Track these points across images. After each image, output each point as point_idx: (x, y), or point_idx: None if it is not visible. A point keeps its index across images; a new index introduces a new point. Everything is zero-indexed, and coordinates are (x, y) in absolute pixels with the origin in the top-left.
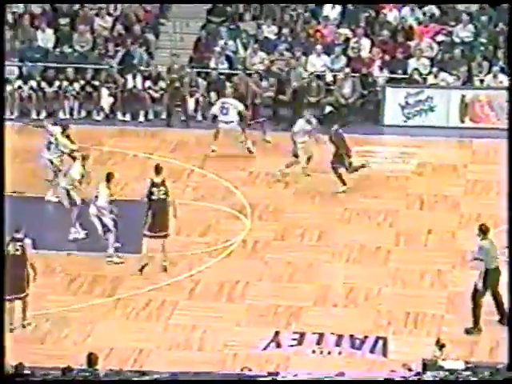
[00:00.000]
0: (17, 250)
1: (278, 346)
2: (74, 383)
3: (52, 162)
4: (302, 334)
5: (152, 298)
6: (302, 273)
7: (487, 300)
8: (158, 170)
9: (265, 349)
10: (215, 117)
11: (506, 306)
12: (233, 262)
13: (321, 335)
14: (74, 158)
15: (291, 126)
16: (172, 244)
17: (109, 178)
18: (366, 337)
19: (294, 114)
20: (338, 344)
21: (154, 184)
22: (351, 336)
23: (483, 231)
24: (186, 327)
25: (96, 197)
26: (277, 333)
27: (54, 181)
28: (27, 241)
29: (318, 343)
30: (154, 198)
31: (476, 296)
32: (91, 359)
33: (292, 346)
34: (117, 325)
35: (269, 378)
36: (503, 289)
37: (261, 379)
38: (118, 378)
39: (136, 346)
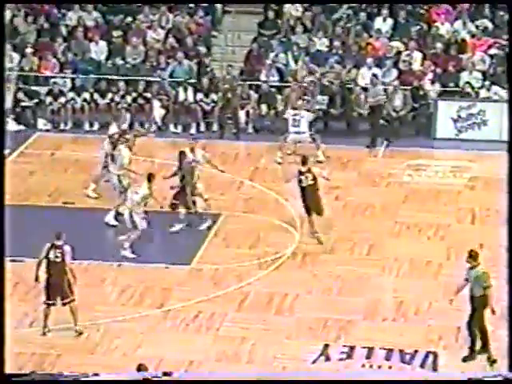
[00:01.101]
0: (57, 256)
1: (328, 359)
2: (77, 383)
3: (120, 181)
4: (352, 348)
5: (201, 309)
6: (352, 286)
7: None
8: (304, 160)
9: (314, 362)
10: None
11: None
12: (282, 275)
13: (370, 349)
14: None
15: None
16: (222, 256)
17: (150, 178)
18: (416, 351)
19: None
20: (387, 358)
21: (301, 173)
22: (401, 350)
23: (474, 257)
24: (235, 339)
25: (136, 193)
26: (326, 346)
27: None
28: (67, 248)
29: (368, 357)
30: (303, 184)
31: (471, 325)
32: (141, 370)
33: (341, 359)
34: (166, 336)
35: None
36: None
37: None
38: None
39: (185, 358)
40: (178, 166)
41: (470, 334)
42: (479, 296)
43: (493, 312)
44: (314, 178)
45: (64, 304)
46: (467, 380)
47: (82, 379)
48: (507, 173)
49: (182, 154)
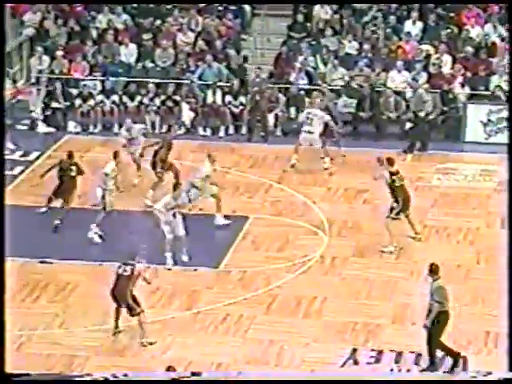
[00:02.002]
0: (125, 270)
1: (356, 363)
2: (77, 383)
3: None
4: (380, 352)
5: (230, 312)
6: (380, 290)
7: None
8: (391, 161)
9: (342, 366)
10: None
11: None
12: (310, 278)
13: (399, 353)
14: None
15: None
16: (250, 259)
17: (175, 187)
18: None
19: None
20: (416, 362)
21: (392, 173)
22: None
23: (434, 271)
24: (263, 342)
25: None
26: (354, 350)
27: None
28: (139, 265)
29: (397, 361)
30: (397, 184)
31: (432, 341)
32: (170, 372)
33: (370, 363)
34: (195, 338)
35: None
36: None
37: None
38: None
39: (214, 360)
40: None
41: (430, 349)
42: (442, 312)
43: (424, 326)
44: (402, 178)
45: (134, 315)
46: (469, 380)
47: (82, 379)
48: (507, 173)
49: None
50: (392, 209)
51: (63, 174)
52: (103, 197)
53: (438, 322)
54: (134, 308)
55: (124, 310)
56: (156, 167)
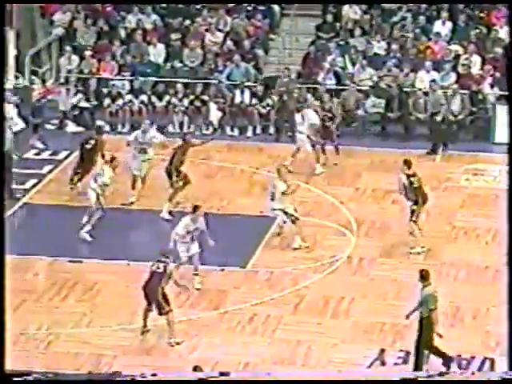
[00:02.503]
0: (158, 267)
1: (383, 364)
2: (81, 383)
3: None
4: (408, 353)
5: (257, 312)
6: (408, 291)
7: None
8: (408, 164)
9: (369, 366)
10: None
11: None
12: (338, 278)
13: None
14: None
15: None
16: (278, 259)
17: (195, 210)
18: (472, 357)
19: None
20: (444, 364)
21: (408, 176)
22: (458, 356)
23: (424, 277)
24: (290, 342)
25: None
26: (382, 351)
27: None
28: (172, 264)
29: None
30: (415, 186)
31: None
32: (197, 372)
33: (397, 364)
34: (222, 338)
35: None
36: None
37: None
38: None
39: (241, 360)
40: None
41: (417, 354)
42: (425, 317)
43: (440, 336)
44: (420, 180)
45: (162, 314)
46: (467, 380)
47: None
48: (507, 174)
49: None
50: (413, 211)
51: (82, 149)
52: (98, 197)
53: (429, 327)
54: (163, 306)
55: (152, 310)
56: (171, 176)
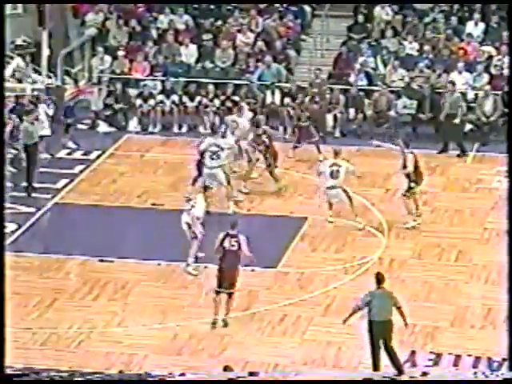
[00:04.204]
0: (232, 245)
1: (414, 365)
2: (82, 383)
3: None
4: (439, 355)
5: (287, 313)
6: (439, 293)
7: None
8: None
9: None
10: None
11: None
12: (369, 280)
13: (458, 356)
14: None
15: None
16: (307, 260)
17: (205, 189)
18: (504, 359)
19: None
20: (475, 366)
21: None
22: (489, 358)
23: (378, 280)
24: (320, 343)
25: (193, 206)
26: (413, 352)
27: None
28: (242, 237)
29: (455, 365)
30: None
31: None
32: (227, 372)
33: (428, 366)
34: (252, 339)
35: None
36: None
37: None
38: None
39: (271, 361)
40: None
41: (389, 355)
42: (380, 321)
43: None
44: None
45: (229, 294)
46: (469, 380)
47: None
48: (507, 174)
49: None
50: (410, 188)
51: None
52: (189, 226)
53: (386, 330)
54: (234, 286)
55: (224, 292)
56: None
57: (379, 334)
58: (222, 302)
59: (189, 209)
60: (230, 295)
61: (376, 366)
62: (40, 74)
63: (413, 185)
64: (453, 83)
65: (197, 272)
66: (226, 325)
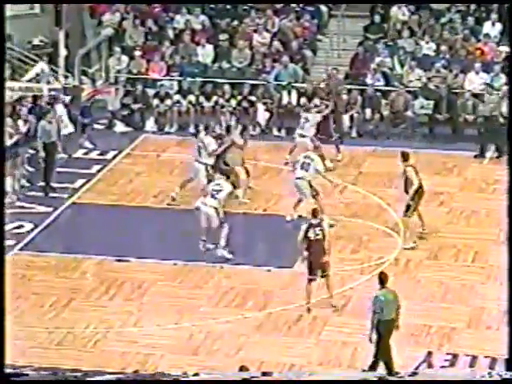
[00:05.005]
0: (317, 234)
1: (430, 366)
2: (83, 383)
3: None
4: (455, 356)
5: (303, 313)
6: (455, 293)
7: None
8: (406, 156)
9: (416, 369)
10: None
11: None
12: None
13: (474, 357)
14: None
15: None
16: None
17: (228, 175)
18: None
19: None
20: (491, 367)
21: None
22: (507, 360)
23: (381, 280)
24: (336, 344)
25: (217, 191)
26: (429, 353)
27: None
28: (325, 224)
29: (472, 366)
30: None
31: (379, 348)
32: (242, 372)
33: (444, 367)
34: (268, 339)
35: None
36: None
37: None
38: None
39: (287, 361)
40: None
41: (375, 356)
42: (385, 321)
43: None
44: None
45: (323, 276)
46: (467, 380)
47: (87, 379)
48: (507, 174)
49: None
50: (408, 207)
51: None
52: (217, 212)
53: (378, 331)
54: (326, 269)
55: (316, 279)
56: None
57: (389, 332)
58: (314, 290)
59: (215, 193)
60: (325, 277)
61: (390, 367)
62: (57, 73)
63: (410, 202)
64: (490, 86)
65: (230, 256)
66: (336, 309)
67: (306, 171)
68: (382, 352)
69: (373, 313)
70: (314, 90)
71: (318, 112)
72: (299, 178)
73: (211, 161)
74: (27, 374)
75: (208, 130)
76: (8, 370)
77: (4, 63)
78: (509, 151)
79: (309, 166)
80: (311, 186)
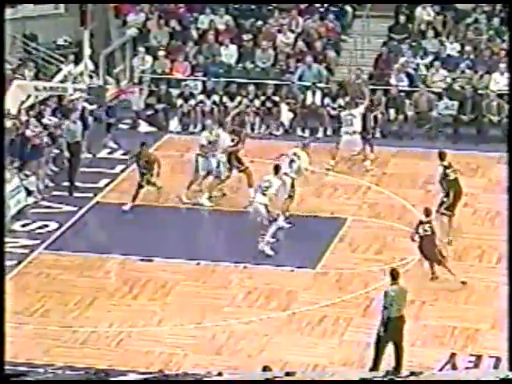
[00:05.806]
0: (426, 230)
1: (454, 367)
2: (88, 383)
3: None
4: (479, 357)
5: (326, 313)
6: (480, 295)
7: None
8: (443, 155)
9: (440, 370)
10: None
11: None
12: (408, 281)
13: (498, 359)
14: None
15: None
16: (347, 261)
17: (277, 169)
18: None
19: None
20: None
21: (445, 167)
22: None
23: (393, 276)
24: (360, 344)
25: (267, 187)
26: (453, 354)
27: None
28: (434, 222)
29: (495, 367)
30: (450, 178)
31: (379, 344)
32: (266, 372)
33: (468, 368)
34: (291, 339)
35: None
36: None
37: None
38: None
39: (310, 362)
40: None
41: (376, 355)
42: (397, 316)
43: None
44: (456, 171)
45: (439, 264)
46: (467, 380)
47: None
48: (507, 174)
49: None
50: (442, 203)
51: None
52: (267, 209)
53: (385, 327)
54: (440, 260)
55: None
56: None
57: (396, 330)
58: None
59: (264, 189)
60: (440, 265)
61: (376, 365)
62: (82, 74)
63: (444, 199)
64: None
65: (272, 252)
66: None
67: (291, 168)
68: (375, 347)
69: (383, 308)
70: (344, 87)
71: (356, 106)
72: (285, 174)
73: (224, 158)
74: (26, 375)
75: (223, 125)
76: (25, 369)
77: (4, 63)
78: (509, 151)
79: (294, 164)
80: (293, 186)
